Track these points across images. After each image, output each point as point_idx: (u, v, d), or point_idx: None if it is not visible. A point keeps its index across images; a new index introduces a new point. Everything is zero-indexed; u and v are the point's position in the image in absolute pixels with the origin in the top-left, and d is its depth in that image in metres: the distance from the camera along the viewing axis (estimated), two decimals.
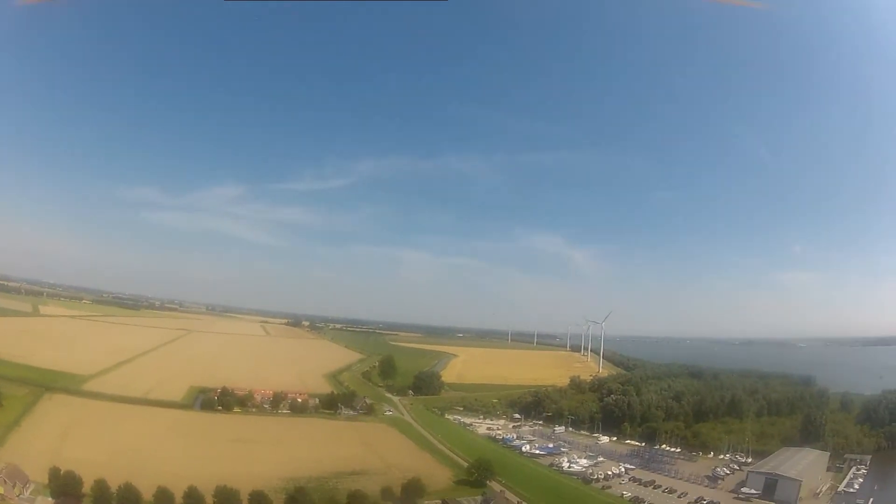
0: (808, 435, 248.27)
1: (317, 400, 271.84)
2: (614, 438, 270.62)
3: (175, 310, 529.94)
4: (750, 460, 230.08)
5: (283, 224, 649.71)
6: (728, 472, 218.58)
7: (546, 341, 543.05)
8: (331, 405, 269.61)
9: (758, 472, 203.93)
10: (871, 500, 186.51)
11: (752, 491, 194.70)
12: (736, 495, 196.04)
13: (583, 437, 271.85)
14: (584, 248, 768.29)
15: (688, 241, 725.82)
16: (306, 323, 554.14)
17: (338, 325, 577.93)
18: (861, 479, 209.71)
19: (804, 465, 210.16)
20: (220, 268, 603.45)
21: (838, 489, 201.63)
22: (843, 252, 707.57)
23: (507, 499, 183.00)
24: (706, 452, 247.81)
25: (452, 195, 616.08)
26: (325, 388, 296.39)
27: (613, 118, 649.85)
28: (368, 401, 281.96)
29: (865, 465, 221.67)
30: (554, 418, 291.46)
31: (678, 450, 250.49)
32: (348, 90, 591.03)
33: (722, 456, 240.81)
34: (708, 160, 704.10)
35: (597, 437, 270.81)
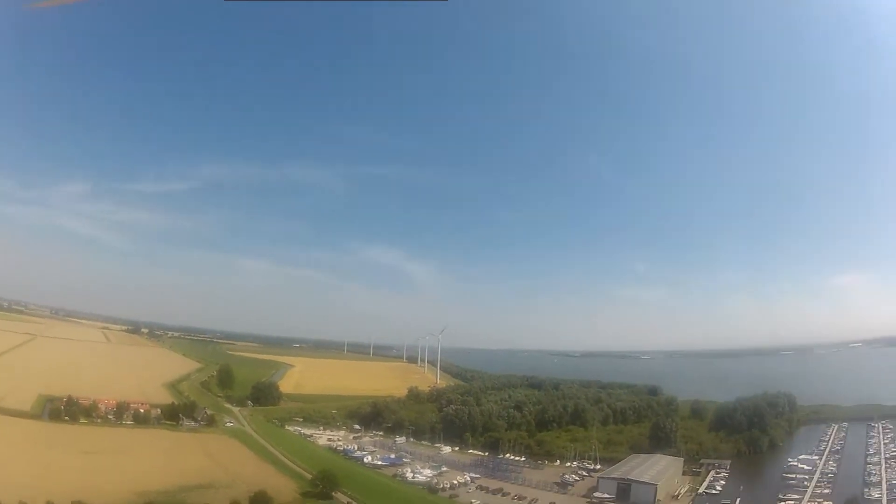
0: (659, 441, 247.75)
1: (158, 410, 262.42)
2: (457, 448, 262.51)
3: (22, 311, 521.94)
4: (598, 467, 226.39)
5: (127, 225, 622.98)
6: (577, 478, 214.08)
7: (383, 352, 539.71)
8: (173, 416, 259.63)
9: (609, 478, 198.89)
10: (738, 500, 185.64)
11: (606, 495, 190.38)
12: (589, 500, 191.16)
13: (424, 447, 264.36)
14: (422, 262, 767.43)
15: (526, 258, 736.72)
16: (145, 330, 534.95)
17: (176, 333, 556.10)
18: (723, 482, 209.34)
19: (657, 470, 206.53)
20: (66, 268, 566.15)
21: (699, 491, 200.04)
22: (686, 270, 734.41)
23: None
24: (552, 460, 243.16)
25: (294, 204, 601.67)
26: (167, 399, 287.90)
27: (458, 136, 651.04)
28: (209, 412, 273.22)
29: (726, 469, 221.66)
30: (394, 429, 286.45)
31: (523, 458, 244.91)
32: (190, 91, 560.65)
33: (569, 463, 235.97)
34: (547, 183, 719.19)
35: (439, 448, 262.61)
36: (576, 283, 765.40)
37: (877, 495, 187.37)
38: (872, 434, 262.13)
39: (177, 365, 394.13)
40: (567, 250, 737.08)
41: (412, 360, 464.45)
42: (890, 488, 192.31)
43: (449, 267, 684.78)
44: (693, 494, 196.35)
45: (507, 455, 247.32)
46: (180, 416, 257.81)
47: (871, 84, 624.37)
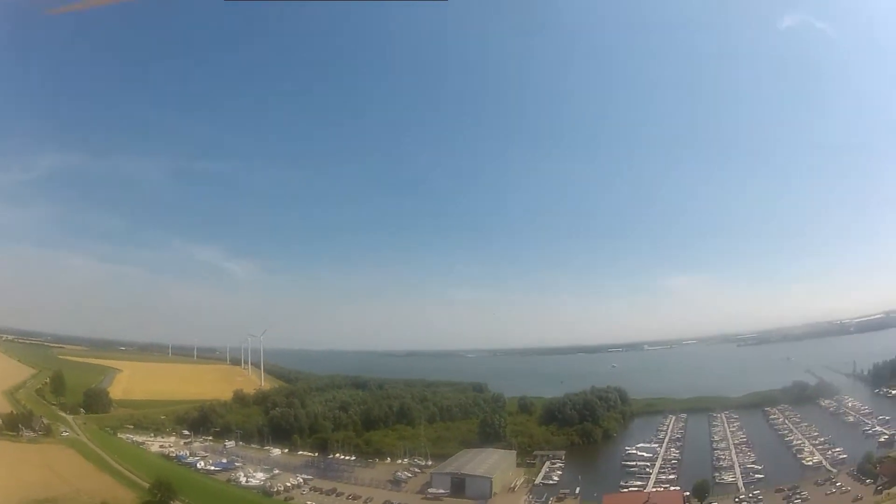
0: (488, 437, 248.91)
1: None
2: (286, 450, 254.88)
3: None
4: (430, 463, 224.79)
5: None
6: (410, 475, 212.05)
7: (207, 355, 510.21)
8: (13, 426, 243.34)
9: (442, 473, 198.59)
10: (578, 489, 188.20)
11: (441, 490, 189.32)
12: (424, 496, 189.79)
13: (254, 450, 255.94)
14: (245, 260, 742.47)
15: (350, 258, 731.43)
16: None
17: (9, 336, 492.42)
18: (559, 472, 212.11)
19: (490, 464, 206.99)
20: None
21: (535, 482, 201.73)
22: (512, 269, 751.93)
23: None
24: (382, 458, 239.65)
25: (119, 198, 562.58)
26: (6, 407, 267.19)
27: (286, 134, 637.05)
28: (45, 421, 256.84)
29: (561, 459, 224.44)
30: (223, 433, 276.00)
31: (353, 458, 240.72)
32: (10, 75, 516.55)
33: (400, 461, 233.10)
34: (376, 182, 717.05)
35: (268, 450, 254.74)
36: (404, 283, 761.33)
37: (730, 479, 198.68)
38: (715, 423, 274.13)
39: (13, 371, 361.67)
40: (394, 250, 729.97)
41: (236, 362, 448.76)
42: (744, 472, 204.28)
43: (271, 266, 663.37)
44: (530, 486, 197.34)
45: (337, 455, 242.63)
46: (20, 426, 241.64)
47: (693, 90, 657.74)
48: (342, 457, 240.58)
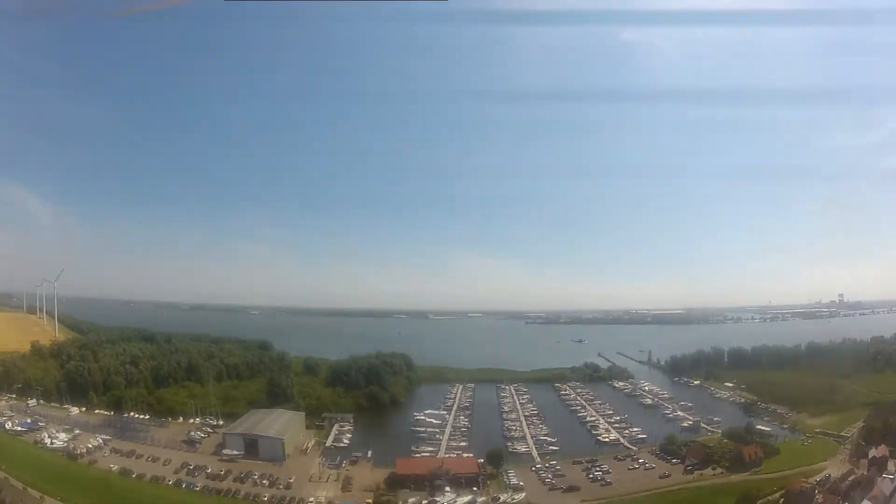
0: (276, 397, 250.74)
1: None
2: (83, 409, 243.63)
3: None
4: (221, 423, 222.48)
5: None
6: (203, 434, 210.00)
7: (3, 301, 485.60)
8: None
9: (234, 434, 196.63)
10: (370, 452, 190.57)
11: (235, 452, 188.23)
12: (219, 457, 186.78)
13: (55, 409, 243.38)
14: (45, 199, 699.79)
15: (147, 205, 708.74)
16: None
17: None
18: (349, 435, 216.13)
19: (281, 424, 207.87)
20: None
21: (326, 444, 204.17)
22: (303, 230, 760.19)
23: (13, 485, 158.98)
24: (175, 417, 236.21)
25: None
26: None
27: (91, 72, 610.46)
28: None
29: (349, 423, 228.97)
30: (25, 390, 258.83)
31: (147, 416, 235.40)
32: None
33: (192, 420, 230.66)
34: (177, 131, 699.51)
35: (67, 409, 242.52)
36: (190, 235, 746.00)
37: (523, 449, 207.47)
38: (504, 395, 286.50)
39: None
40: (184, 198, 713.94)
41: (32, 309, 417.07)
42: (538, 443, 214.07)
43: (68, 208, 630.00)
44: (321, 448, 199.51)
45: (132, 414, 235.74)
46: None
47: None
48: (137, 416, 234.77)
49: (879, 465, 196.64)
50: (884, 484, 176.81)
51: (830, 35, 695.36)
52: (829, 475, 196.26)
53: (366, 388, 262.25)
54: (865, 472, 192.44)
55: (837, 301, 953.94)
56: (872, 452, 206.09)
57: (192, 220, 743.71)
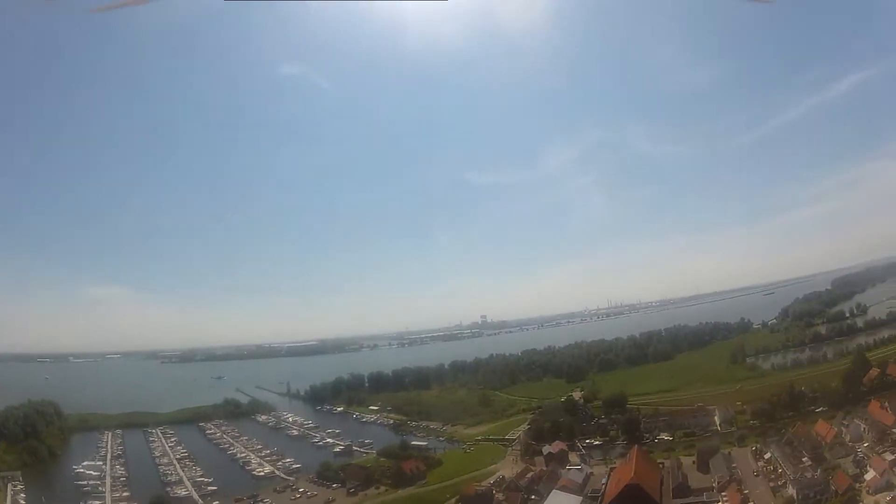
0: None
1: None
2: None
3: None
4: None
5: None
6: None
7: None
8: None
9: None
10: None
11: None
12: None
13: None
14: None
15: None
16: None
17: None
18: (23, 494, 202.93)
19: None
20: None
21: None
22: None
23: None
24: None
25: None
26: None
27: None
28: None
29: (20, 481, 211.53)
30: None
31: None
32: None
33: None
34: None
35: None
36: None
37: (183, 493, 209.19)
38: (152, 439, 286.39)
39: None
40: None
41: None
42: (196, 485, 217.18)
43: None
44: None
45: None
46: None
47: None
48: None
49: (559, 460, 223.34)
50: (571, 474, 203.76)
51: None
52: (504, 475, 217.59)
53: (25, 440, 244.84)
54: (545, 468, 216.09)
55: (480, 322, 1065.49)
56: (548, 449, 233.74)
57: None
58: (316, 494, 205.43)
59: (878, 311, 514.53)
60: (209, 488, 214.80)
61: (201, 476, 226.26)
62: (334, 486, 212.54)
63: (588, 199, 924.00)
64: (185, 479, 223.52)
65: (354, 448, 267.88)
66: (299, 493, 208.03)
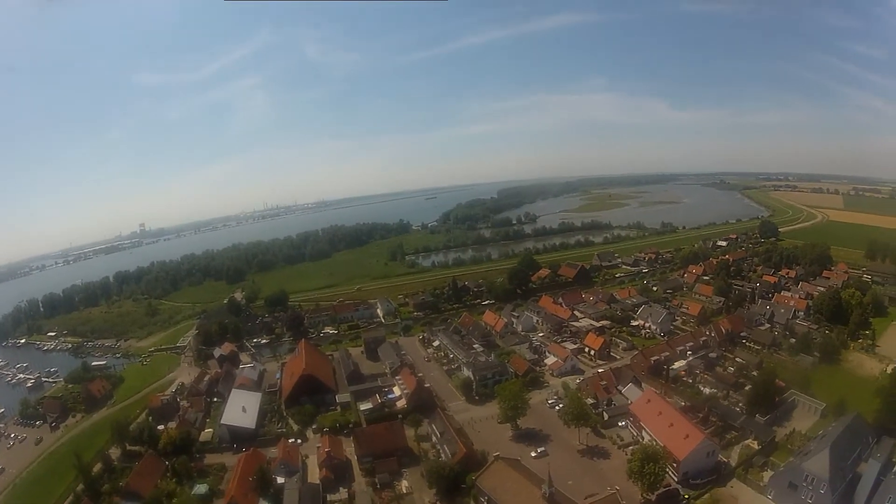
0: None
1: None
2: None
3: None
4: None
5: None
6: None
7: None
8: None
9: None
10: None
11: None
12: None
13: None
14: None
15: None
16: None
17: None
18: None
19: None
20: None
21: None
22: None
23: None
24: None
25: None
26: None
27: None
28: None
29: None
30: None
31: None
32: None
33: None
34: None
35: None
36: None
37: None
38: None
39: None
40: None
41: None
42: None
43: None
44: None
45: None
46: None
47: None
48: None
49: (231, 360, 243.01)
50: (246, 372, 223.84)
51: None
52: (183, 382, 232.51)
53: None
54: (219, 370, 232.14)
55: (139, 231, 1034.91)
56: (219, 351, 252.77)
57: None
58: (26, 437, 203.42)
59: (549, 221, 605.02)
60: None
61: None
62: (38, 423, 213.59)
63: (250, 101, 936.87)
64: None
65: (44, 380, 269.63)
66: (12, 438, 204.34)
